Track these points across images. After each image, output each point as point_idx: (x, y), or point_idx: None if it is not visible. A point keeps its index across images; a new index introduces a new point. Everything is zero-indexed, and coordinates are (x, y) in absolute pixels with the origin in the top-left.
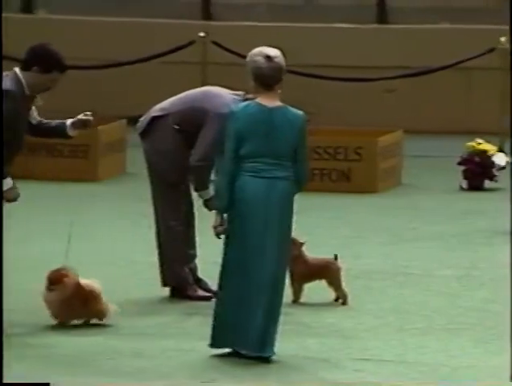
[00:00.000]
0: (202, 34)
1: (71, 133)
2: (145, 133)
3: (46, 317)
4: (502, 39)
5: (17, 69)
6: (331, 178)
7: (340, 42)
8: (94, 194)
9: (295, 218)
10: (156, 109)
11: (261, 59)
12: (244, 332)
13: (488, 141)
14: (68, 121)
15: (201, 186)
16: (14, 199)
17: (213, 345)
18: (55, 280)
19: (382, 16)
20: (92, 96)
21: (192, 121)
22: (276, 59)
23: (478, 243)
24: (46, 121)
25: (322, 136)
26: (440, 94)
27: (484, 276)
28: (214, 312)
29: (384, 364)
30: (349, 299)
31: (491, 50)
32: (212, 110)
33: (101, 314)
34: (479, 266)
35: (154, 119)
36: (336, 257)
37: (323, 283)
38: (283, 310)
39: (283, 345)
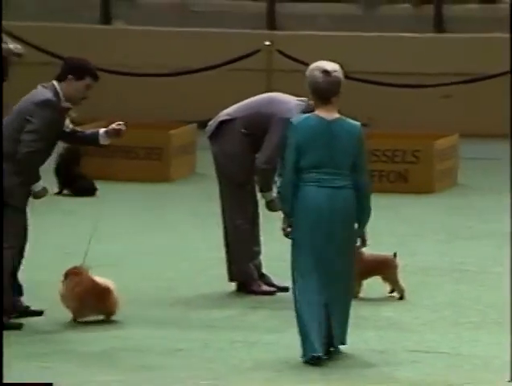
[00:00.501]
0: (267, 43)
1: (102, 141)
2: (213, 137)
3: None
4: None
5: (54, 82)
6: (389, 179)
7: (398, 50)
8: (167, 193)
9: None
10: (224, 114)
11: (318, 74)
12: (316, 333)
13: None
14: (101, 130)
15: (266, 188)
16: (43, 196)
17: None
18: (70, 276)
19: (439, 25)
20: (166, 101)
21: (258, 125)
22: (334, 74)
23: None
24: (80, 130)
25: (381, 139)
26: (494, 100)
27: None
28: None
29: (439, 356)
30: (406, 294)
31: None
32: (277, 115)
33: (112, 311)
34: None
35: (222, 123)
36: (395, 255)
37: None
38: None
39: None
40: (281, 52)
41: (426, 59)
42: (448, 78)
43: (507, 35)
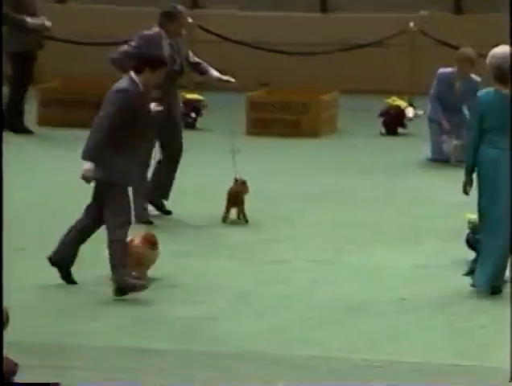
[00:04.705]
0: (190, 20)
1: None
2: None
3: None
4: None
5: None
6: (285, 125)
7: (292, 26)
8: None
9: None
10: None
11: (502, 62)
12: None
13: (401, 98)
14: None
15: None
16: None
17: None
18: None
19: (323, 7)
20: None
21: None
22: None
23: (396, 172)
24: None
25: (279, 94)
26: (368, 64)
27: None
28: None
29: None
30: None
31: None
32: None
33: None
34: (398, 190)
35: None
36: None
37: None
38: None
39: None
40: (201, 27)
41: (314, 33)
42: (333, 47)
43: (376, 15)
